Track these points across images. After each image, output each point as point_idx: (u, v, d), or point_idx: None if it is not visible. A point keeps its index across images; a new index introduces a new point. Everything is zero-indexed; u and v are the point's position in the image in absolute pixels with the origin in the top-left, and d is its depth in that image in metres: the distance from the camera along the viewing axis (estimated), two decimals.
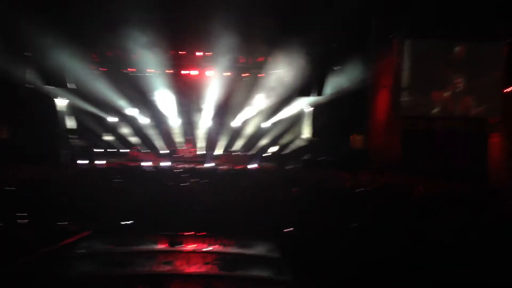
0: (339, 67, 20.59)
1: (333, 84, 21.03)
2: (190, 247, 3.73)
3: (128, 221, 6.00)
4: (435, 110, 17.58)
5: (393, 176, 12.34)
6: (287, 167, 19.83)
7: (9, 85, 18.49)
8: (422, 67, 17.38)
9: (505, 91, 16.93)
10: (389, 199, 8.12)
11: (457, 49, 17.44)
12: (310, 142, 22.33)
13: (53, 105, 20.96)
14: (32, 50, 18.85)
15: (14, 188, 7.88)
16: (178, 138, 25.40)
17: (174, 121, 25.27)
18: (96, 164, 18.58)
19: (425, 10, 16.20)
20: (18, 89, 19.21)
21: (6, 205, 5.95)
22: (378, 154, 18.10)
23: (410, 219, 6.44)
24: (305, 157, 21.39)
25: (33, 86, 19.67)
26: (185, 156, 23.21)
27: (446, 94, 17.53)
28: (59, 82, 19.05)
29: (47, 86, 19.80)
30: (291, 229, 5.51)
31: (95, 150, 22.64)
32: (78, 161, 18.66)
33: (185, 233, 4.07)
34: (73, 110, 23.27)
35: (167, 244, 3.77)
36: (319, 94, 20.71)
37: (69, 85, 19.45)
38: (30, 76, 19.70)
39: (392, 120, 17.97)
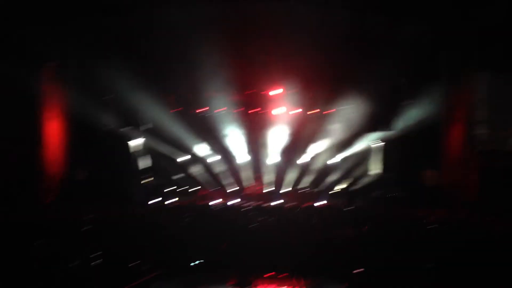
0: (409, 102, 20.15)
1: (404, 119, 20.57)
2: None
3: (197, 260, 6.04)
4: None
5: (469, 214, 11.72)
6: (356, 204, 19.39)
7: (86, 127, 19.50)
8: (499, 99, 16.70)
9: None
10: (465, 237, 7.70)
11: None
12: (380, 178, 21.78)
13: (128, 145, 21.74)
14: (109, 92, 19.72)
15: (88, 228, 8.13)
16: (245, 175, 25.57)
17: (242, 159, 25.50)
18: (167, 203, 18.97)
19: (498, 42, 15.65)
20: (95, 131, 20.15)
21: (81, 244, 6.13)
22: (453, 190, 17.34)
23: (486, 257, 6.08)
24: (375, 193, 20.85)
25: (109, 127, 20.53)
26: (252, 193, 23.23)
27: None
28: (135, 123, 19.71)
29: (123, 127, 20.58)
30: (362, 269, 5.33)
31: (166, 189, 23.23)
32: (150, 201, 19.11)
33: (255, 274, 4.02)
34: (146, 150, 24.14)
35: (236, 285, 3.73)
36: (389, 129, 20.28)
37: (144, 126, 20.09)
38: (107, 118, 20.62)
39: (467, 155, 17.26)
